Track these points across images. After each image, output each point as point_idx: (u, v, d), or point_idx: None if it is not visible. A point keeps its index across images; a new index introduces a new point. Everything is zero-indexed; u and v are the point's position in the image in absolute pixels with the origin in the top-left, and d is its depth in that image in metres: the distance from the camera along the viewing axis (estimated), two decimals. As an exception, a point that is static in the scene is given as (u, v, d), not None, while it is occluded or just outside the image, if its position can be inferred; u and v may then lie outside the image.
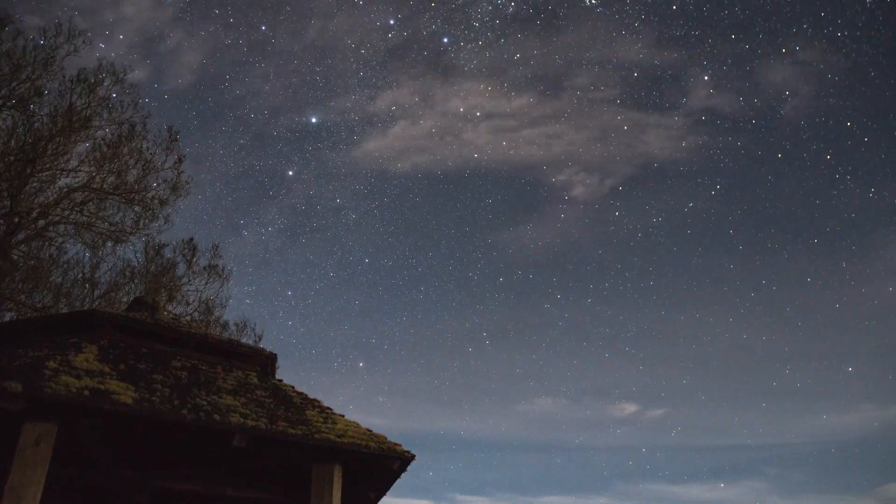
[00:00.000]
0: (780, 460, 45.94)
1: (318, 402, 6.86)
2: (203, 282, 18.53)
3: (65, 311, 13.84)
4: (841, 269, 40.85)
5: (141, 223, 16.92)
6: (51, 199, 14.91)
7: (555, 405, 47.08)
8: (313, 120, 41.93)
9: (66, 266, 15.78)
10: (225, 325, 18.73)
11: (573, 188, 43.98)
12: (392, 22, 39.26)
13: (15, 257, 14.41)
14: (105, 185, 15.73)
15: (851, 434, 44.15)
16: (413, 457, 6.33)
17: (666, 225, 43.29)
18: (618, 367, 47.53)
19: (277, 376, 8.27)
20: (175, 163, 17.34)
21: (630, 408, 47.07)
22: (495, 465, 47.05)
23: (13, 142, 14.13)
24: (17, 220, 14.13)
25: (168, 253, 17.98)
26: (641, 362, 47.97)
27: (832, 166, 38.34)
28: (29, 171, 14.11)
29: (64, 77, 15.33)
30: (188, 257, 18.30)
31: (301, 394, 6.98)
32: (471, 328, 47.70)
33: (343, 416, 6.66)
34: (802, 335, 43.23)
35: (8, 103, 14.19)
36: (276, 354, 7.72)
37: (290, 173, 42.75)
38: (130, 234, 16.71)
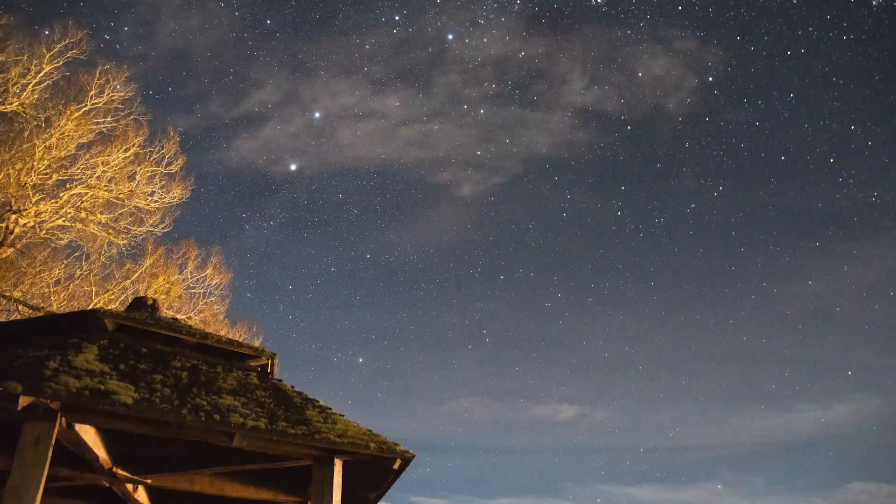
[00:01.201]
0: (739, 461, 45.88)
1: (318, 401, 6.86)
2: (203, 281, 18.53)
3: (65, 310, 13.84)
4: (842, 273, 40.89)
5: (141, 223, 16.92)
6: (51, 198, 14.89)
7: (545, 408, 47.08)
8: (316, 115, 41.98)
9: (66, 266, 15.77)
10: (225, 325, 18.74)
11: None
12: (397, 18, 39.27)
13: (15, 257, 14.40)
14: (105, 185, 15.72)
15: (815, 433, 44.18)
16: (413, 456, 6.32)
17: (668, 225, 43.33)
18: (617, 368, 47.59)
19: (277, 371, 8.24)
20: (175, 162, 17.35)
21: (624, 409, 47.10)
22: (448, 466, 46.81)
23: (13, 142, 14.12)
24: (17, 219, 14.12)
25: (168, 252, 17.99)
26: (640, 362, 48.02)
27: (835, 170, 38.33)
28: (29, 171, 14.09)
29: (64, 76, 15.34)
30: (188, 257, 18.31)
31: (301, 393, 6.97)
32: (471, 325, 47.73)
33: (343, 415, 6.66)
34: (802, 338, 43.27)
35: (8, 103, 14.18)
36: (276, 354, 7.71)
37: (293, 168, 42.77)
38: (130, 233, 16.71)
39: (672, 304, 46.67)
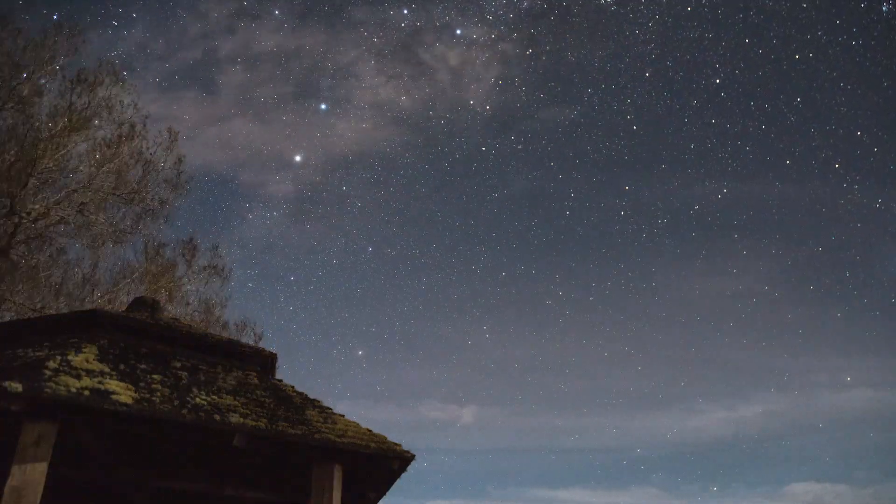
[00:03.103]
0: (671, 462, 45.57)
1: (318, 401, 6.87)
2: (203, 282, 18.52)
3: (65, 311, 13.83)
4: (844, 279, 40.92)
5: (141, 223, 16.93)
6: (51, 199, 14.89)
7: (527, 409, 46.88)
8: (322, 107, 42.01)
9: (66, 266, 15.77)
10: (225, 326, 18.73)
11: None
12: (406, 12, 39.33)
13: (14, 258, 14.40)
14: (105, 186, 15.72)
15: (752, 434, 43.97)
16: (413, 457, 6.32)
17: (671, 226, 43.34)
18: (616, 367, 47.58)
19: (278, 368, 8.23)
20: (175, 162, 17.35)
21: (622, 410, 47.03)
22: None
23: (13, 142, 14.12)
24: (17, 220, 14.13)
25: (168, 253, 17.97)
26: (639, 363, 48.01)
27: (840, 175, 38.32)
28: (29, 171, 14.10)
29: (64, 77, 15.33)
30: (188, 257, 18.30)
31: (301, 394, 6.98)
32: (471, 321, 47.75)
33: (343, 415, 6.67)
34: (803, 342, 43.27)
35: (8, 103, 14.18)
36: (276, 354, 7.72)
37: (298, 159, 42.82)
38: (130, 234, 16.72)
39: (673, 305, 46.68)
